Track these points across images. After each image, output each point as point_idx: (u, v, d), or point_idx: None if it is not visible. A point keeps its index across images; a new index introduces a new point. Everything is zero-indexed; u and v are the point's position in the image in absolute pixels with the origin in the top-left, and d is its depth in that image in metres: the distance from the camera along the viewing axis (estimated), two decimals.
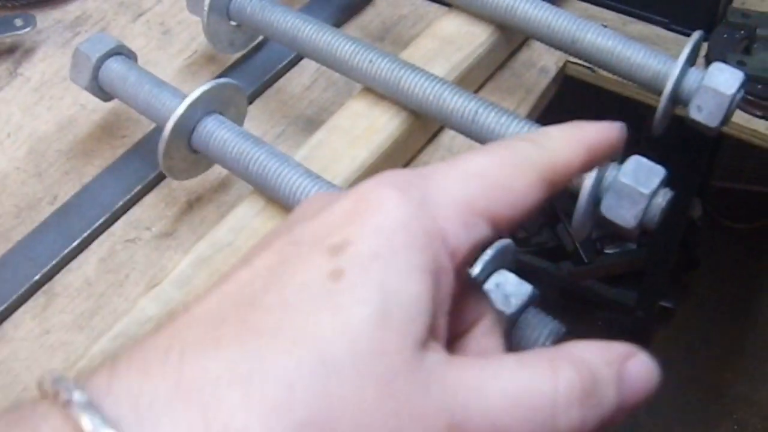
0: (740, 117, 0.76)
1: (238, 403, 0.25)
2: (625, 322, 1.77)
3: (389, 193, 0.29)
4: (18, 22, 0.75)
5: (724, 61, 0.74)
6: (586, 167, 0.34)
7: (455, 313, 0.31)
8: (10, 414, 0.26)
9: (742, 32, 0.81)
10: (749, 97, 0.76)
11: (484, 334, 0.33)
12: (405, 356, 0.26)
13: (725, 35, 0.81)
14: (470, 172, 0.31)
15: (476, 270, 0.45)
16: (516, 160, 0.32)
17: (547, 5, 0.66)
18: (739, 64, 0.77)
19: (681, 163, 1.31)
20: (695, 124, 0.61)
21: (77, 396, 0.25)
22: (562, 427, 0.28)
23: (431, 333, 0.28)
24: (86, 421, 0.25)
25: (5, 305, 0.58)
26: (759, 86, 0.76)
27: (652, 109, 0.63)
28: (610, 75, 0.66)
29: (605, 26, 0.65)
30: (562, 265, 1.82)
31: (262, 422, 0.24)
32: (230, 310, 0.27)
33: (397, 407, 0.26)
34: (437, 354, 0.28)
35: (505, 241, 0.47)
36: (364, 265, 0.27)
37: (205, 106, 0.58)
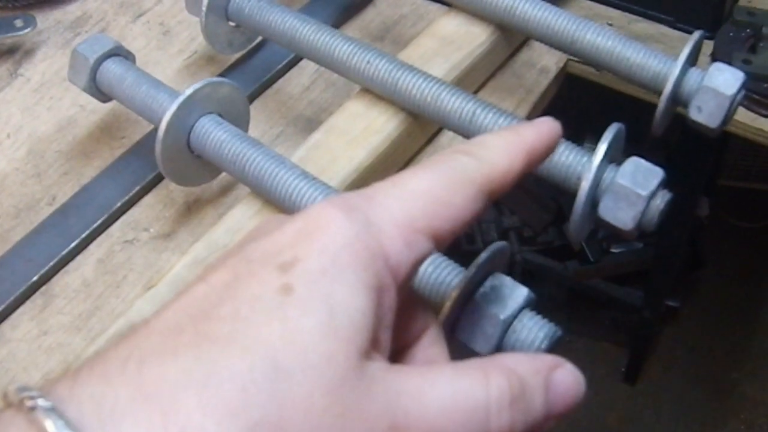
0: (746, 116, 0.76)
1: (194, 406, 0.26)
2: (631, 321, 1.76)
3: (335, 215, 0.31)
4: (18, 22, 0.75)
5: (730, 60, 0.74)
6: (527, 170, 0.36)
7: (401, 326, 0.34)
8: None
9: (748, 31, 0.81)
10: (755, 95, 0.76)
11: (430, 344, 0.35)
12: (351, 364, 0.28)
13: (731, 34, 0.81)
14: (410, 190, 0.33)
15: (471, 272, 0.45)
16: (455, 176, 0.33)
17: (546, 5, 0.66)
18: (745, 63, 0.76)
19: (687, 162, 1.30)
20: (695, 125, 0.61)
21: (41, 402, 0.26)
22: (494, 430, 0.30)
23: (373, 345, 0.30)
24: (50, 424, 0.25)
25: (3, 306, 0.58)
26: (765, 85, 0.76)
27: (655, 108, 0.63)
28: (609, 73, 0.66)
29: (610, 25, 0.65)
30: (568, 265, 1.81)
31: (217, 423, 0.26)
32: (186, 321, 0.29)
33: (343, 410, 0.28)
34: (380, 363, 0.30)
35: (500, 244, 0.47)
36: (312, 280, 0.29)
37: (202, 106, 0.58)
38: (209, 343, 0.28)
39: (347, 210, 0.31)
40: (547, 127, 0.37)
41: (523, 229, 1.83)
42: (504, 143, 0.36)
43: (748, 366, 1.83)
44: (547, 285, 1.81)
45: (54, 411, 0.26)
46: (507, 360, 0.32)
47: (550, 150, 0.37)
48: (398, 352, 0.35)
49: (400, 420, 0.29)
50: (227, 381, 0.27)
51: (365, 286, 0.30)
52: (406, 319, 0.35)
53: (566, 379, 0.32)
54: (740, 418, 1.77)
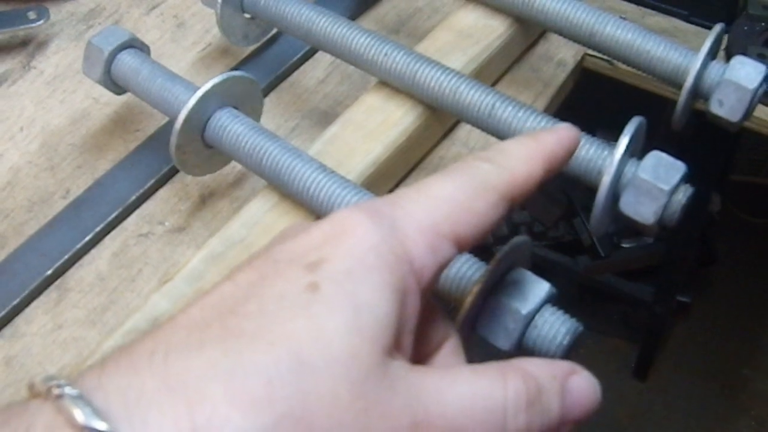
0: (760, 110, 0.75)
1: (220, 397, 0.26)
2: (642, 317, 1.76)
3: (361, 219, 0.32)
4: (32, 14, 0.75)
5: (745, 54, 0.73)
6: (547, 177, 0.37)
7: (423, 333, 0.35)
8: (1, 413, 0.27)
9: (763, 24, 0.80)
10: None
11: (450, 354, 0.36)
12: (375, 361, 0.29)
13: (746, 27, 0.80)
14: (434, 197, 0.34)
15: (492, 267, 0.44)
16: (477, 183, 0.34)
17: None
18: (760, 57, 0.75)
19: (700, 157, 1.29)
20: (716, 119, 0.60)
21: (69, 390, 0.27)
22: (511, 430, 0.31)
23: (396, 347, 0.31)
24: (78, 413, 0.26)
25: (18, 300, 0.58)
26: None
27: (671, 103, 0.62)
28: (628, 68, 0.65)
29: (624, 18, 0.64)
30: (579, 260, 1.81)
31: (243, 414, 0.26)
32: (213, 317, 0.29)
33: (367, 406, 0.28)
34: (402, 362, 0.30)
35: (521, 238, 0.46)
36: (338, 280, 0.30)
37: (219, 99, 0.58)
38: (235, 337, 0.28)
39: (373, 215, 0.32)
40: (567, 133, 0.38)
41: (534, 224, 1.82)
42: (524, 150, 0.37)
43: (759, 362, 1.83)
44: (557, 280, 1.80)
45: (81, 399, 0.26)
46: (524, 364, 0.33)
47: (569, 156, 0.38)
48: (418, 361, 0.35)
49: (421, 417, 0.29)
50: (253, 374, 0.27)
51: (390, 288, 0.30)
52: (427, 327, 0.36)
53: (582, 385, 0.33)
54: (751, 414, 1.76)
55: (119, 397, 0.27)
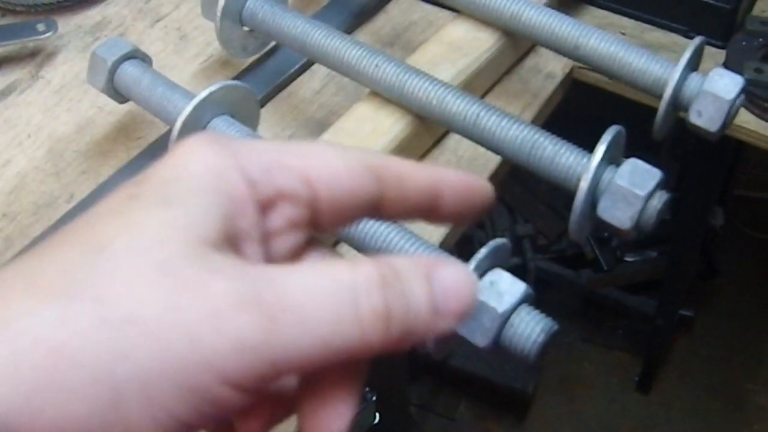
0: (760, 125, 0.76)
1: (19, 291, 0.27)
2: (645, 330, 1.76)
3: (193, 141, 0.32)
4: (40, 26, 0.78)
5: (741, 69, 0.75)
6: (429, 192, 0.35)
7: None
8: None
9: (761, 40, 0.81)
10: (767, 104, 0.76)
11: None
12: (189, 249, 0.28)
13: (743, 43, 0.81)
14: (284, 143, 0.35)
15: (471, 266, 0.46)
16: (338, 148, 0.34)
17: (552, 11, 0.67)
18: (757, 72, 0.76)
19: (701, 171, 1.31)
20: (695, 128, 0.62)
21: None
22: (365, 310, 0.29)
23: (231, 247, 0.30)
24: None
25: None
26: None
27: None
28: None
29: (623, 34, 0.66)
30: (582, 273, 1.82)
31: (40, 302, 0.27)
32: (46, 244, 0.30)
33: (176, 285, 0.28)
34: (236, 258, 0.30)
35: (500, 240, 0.48)
36: (156, 187, 0.30)
37: (215, 107, 0.60)
38: (51, 248, 0.29)
39: (210, 138, 0.32)
40: (474, 179, 0.37)
41: (537, 237, 1.84)
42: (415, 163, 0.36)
43: (762, 376, 1.83)
44: (560, 293, 1.82)
45: None
46: (384, 257, 0.31)
47: (467, 197, 0.36)
48: None
49: (249, 297, 0.28)
50: (51, 269, 0.28)
51: (211, 190, 0.30)
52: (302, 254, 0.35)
53: (452, 274, 0.31)
54: (753, 429, 1.77)
55: None
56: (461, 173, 0.36)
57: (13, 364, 0.26)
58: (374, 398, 1.00)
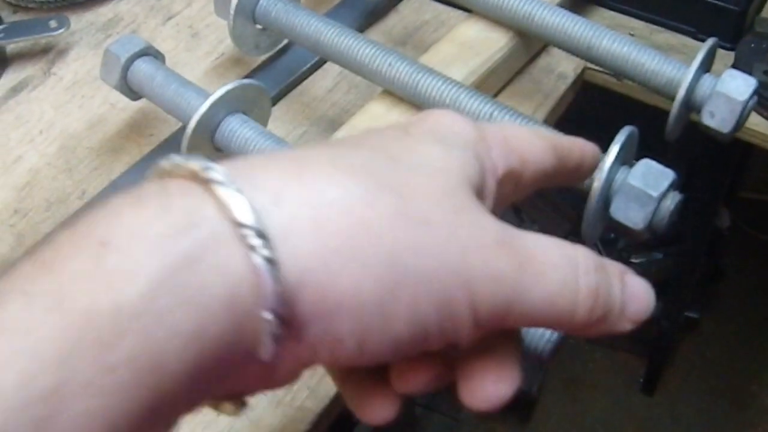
0: (767, 127, 0.76)
1: (324, 167, 0.30)
2: (650, 332, 1.76)
3: (445, 112, 0.36)
4: (53, 23, 0.78)
5: (751, 71, 0.75)
6: (583, 162, 0.41)
7: None
8: (134, 196, 0.28)
9: None
10: None
11: None
12: (463, 181, 0.32)
13: (752, 45, 0.81)
14: (501, 124, 0.40)
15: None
16: (532, 130, 0.39)
17: (564, 12, 0.67)
18: (766, 74, 0.77)
19: (708, 173, 1.31)
20: (708, 130, 0.62)
21: (219, 175, 0.28)
22: (583, 284, 0.32)
23: (479, 199, 0.33)
24: (241, 204, 0.27)
25: None
26: None
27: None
28: (630, 82, 0.67)
29: (632, 35, 0.66)
30: None
31: (345, 176, 0.30)
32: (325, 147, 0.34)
33: (458, 209, 0.31)
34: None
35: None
36: (429, 131, 0.34)
37: (229, 105, 0.60)
38: (345, 146, 0.33)
39: (457, 113, 0.36)
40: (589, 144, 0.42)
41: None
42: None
43: (767, 378, 1.83)
44: None
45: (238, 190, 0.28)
46: None
47: (590, 160, 0.42)
48: None
49: (507, 239, 0.31)
50: (353, 157, 0.31)
51: (473, 147, 0.34)
52: None
53: (638, 282, 0.34)
54: (758, 430, 1.76)
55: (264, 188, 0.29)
56: (582, 141, 0.41)
57: (322, 226, 0.28)
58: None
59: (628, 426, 1.78)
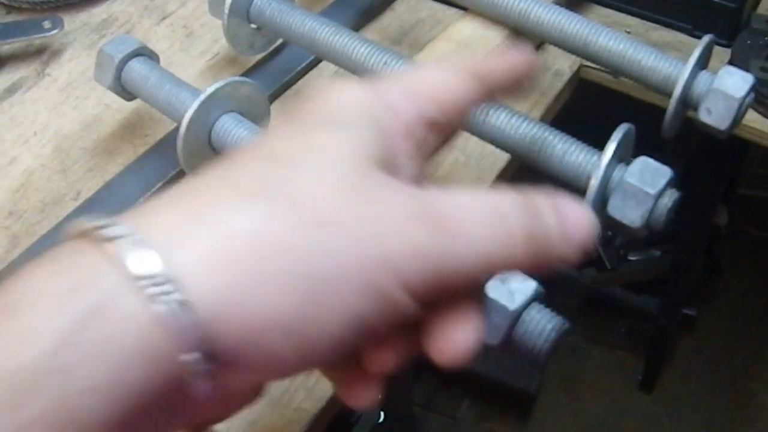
0: (765, 124, 0.76)
1: (219, 196, 0.31)
2: (648, 330, 1.76)
3: (340, 82, 0.36)
4: (46, 24, 0.77)
5: (747, 68, 0.74)
6: (515, 71, 0.41)
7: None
8: (44, 259, 0.29)
9: (766, 38, 0.81)
10: None
11: None
12: (362, 164, 0.32)
13: (749, 41, 0.81)
14: (404, 73, 0.40)
15: None
16: (442, 66, 0.40)
17: (560, 9, 0.67)
18: (763, 70, 0.76)
19: (706, 170, 1.31)
20: (705, 127, 0.62)
21: (117, 231, 0.29)
22: (516, 229, 0.32)
23: (387, 168, 0.33)
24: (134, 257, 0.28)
25: None
26: None
27: None
28: (631, 81, 0.67)
29: (628, 32, 0.66)
30: (585, 272, 1.81)
31: (242, 202, 0.30)
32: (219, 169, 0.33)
33: (366, 193, 0.31)
34: (392, 177, 0.33)
35: None
36: (321, 114, 0.34)
37: (223, 104, 0.60)
38: (235, 163, 0.33)
39: (353, 80, 0.36)
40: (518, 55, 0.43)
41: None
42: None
43: (766, 375, 1.83)
44: (563, 292, 1.82)
45: (133, 239, 0.28)
46: (517, 191, 0.35)
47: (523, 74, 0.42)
48: None
49: (425, 209, 0.31)
50: (244, 174, 0.31)
51: (368, 117, 0.34)
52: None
53: (572, 206, 0.34)
54: (757, 427, 1.76)
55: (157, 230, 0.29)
56: (512, 55, 0.42)
57: (226, 257, 0.28)
58: (379, 397, 1.00)
59: (626, 424, 1.78)
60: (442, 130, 0.38)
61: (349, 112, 0.34)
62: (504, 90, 0.42)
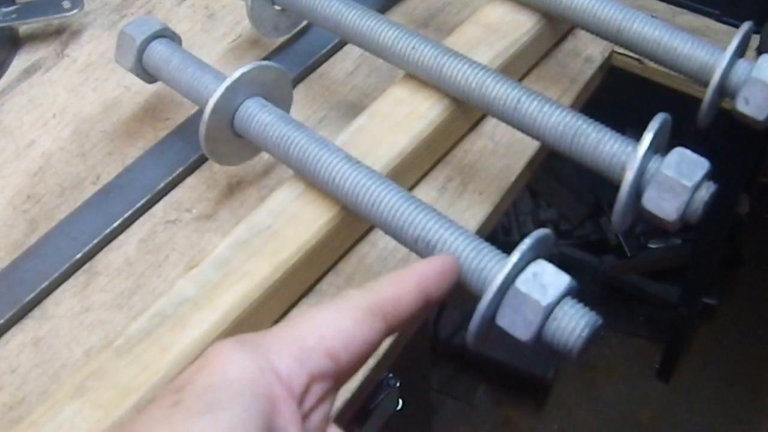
0: None
1: None
2: (667, 318, 1.75)
3: (225, 345, 0.35)
4: (66, 4, 0.76)
5: None
6: (425, 298, 0.41)
7: None
8: None
9: None
10: None
11: None
12: None
13: None
14: (298, 320, 0.38)
15: (515, 258, 0.45)
16: (340, 304, 0.39)
17: None
18: None
19: (729, 158, 1.29)
20: (742, 117, 0.60)
21: None
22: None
23: None
24: None
25: (47, 282, 0.59)
26: None
27: (698, 102, 0.62)
28: (657, 66, 0.65)
29: (654, 17, 0.64)
30: (604, 259, 1.80)
31: None
32: None
33: None
34: None
35: (544, 231, 0.47)
36: (198, 394, 0.33)
37: (247, 89, 0.59)
38: None
39: (239, 340, 0.36)
40: (442, 259, 0.43)
41: (560, 222, 1.82)
42: (393, 275, 0.41)
43: None
44: (582, 279, 1.80)
45: None
46: None
47: (446, 279, 0.43)
48: None
49: None
50: None
51: (251, 393, 0.33)
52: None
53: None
54: None
55: None
56: (428, 263, 0.42)
57: None
58: (398, 384, 0.99)
59: (643, 412, 1.77)
60: (345, 375, 0.38)
61: (230, 390, 0.33)
62: (420, 313, 0.41)
